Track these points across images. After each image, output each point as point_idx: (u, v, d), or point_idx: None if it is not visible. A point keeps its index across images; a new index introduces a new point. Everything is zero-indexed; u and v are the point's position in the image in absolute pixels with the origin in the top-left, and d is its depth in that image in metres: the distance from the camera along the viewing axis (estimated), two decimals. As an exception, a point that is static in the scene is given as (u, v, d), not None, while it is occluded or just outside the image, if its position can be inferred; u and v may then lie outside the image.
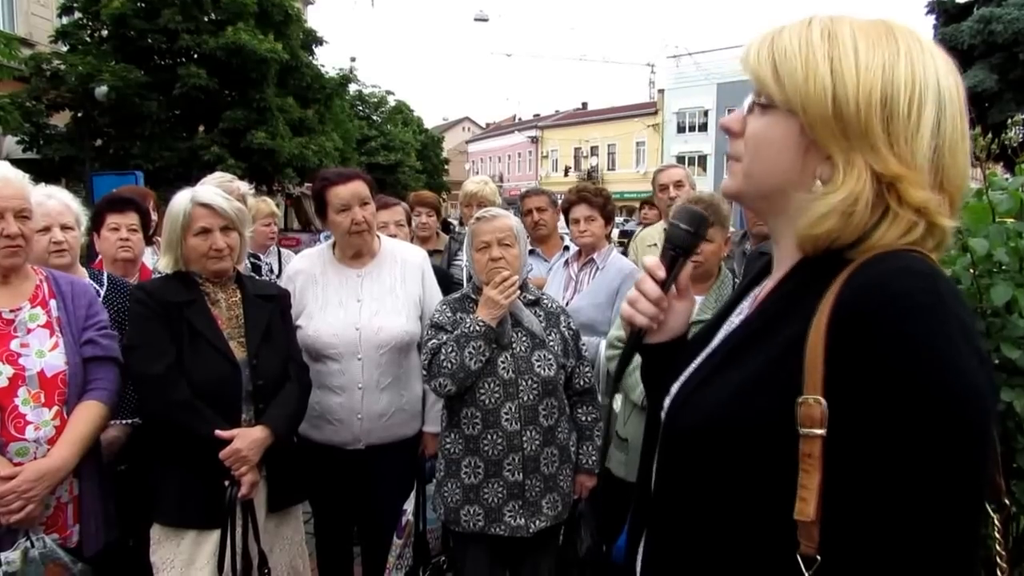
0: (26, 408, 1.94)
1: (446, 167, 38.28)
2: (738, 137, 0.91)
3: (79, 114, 13.61)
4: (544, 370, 2.32)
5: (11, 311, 2.01)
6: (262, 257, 4.03)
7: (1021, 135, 1.75)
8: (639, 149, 38.98)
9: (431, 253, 3.32)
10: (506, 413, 2.28)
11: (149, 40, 13.91)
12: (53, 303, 2.09)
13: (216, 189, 2.34)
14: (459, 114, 73.79)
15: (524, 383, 2.30)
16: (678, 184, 3.89)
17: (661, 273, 1.04)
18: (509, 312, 2.33)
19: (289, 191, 18.98)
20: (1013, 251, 1.52)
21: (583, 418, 2.47)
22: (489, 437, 2.28)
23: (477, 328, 2.27)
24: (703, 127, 33.99)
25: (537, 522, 2.30)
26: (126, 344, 2.15)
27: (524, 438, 2.28)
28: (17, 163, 2.34)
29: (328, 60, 33.75)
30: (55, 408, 1.98)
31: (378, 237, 2.76)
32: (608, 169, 40.70)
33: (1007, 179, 1.74)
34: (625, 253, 4.10)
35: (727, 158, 0.95)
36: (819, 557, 0.76)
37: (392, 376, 2.58)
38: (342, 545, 2.80)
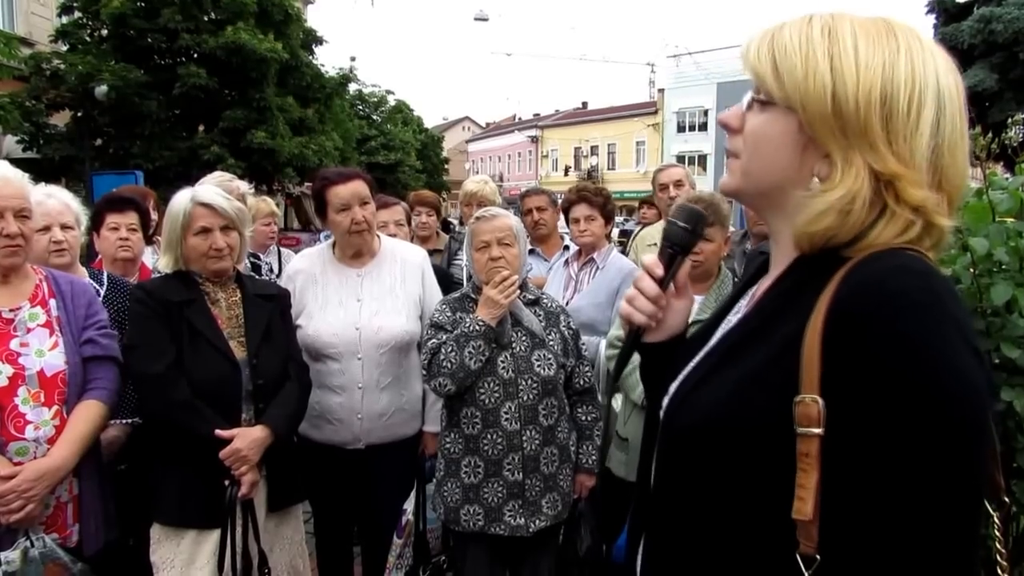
0: (26, 407, 1.94)
1: (446, 167, 38.27)
2: (736, 133, 0.91)
3: (79, 113, 13.61)
4: (544, 370, 2.32)
5: (11, 310, 2.01)
6: (262, 257, 4.03)
7: (1021, 135, 1.75)
8: (639, 149, 38.97)
9: (431, 253, 3.32)
10: (506, 413, 2.28)
11: (149, 39, 13.90)
12: (53, 302, 2.09)
13: (216, 189, 2.34)
14: (459, 114, 73.89)
15: (524, 383, 2.30)
16: (678, 183, 3.89)
17: (659, 271, 1.04)
18: (509, 312, 2.33)
19: (289, 191, 18.97)
20: (1013, 250, 1.52)
21: (583, 418, 2.47)
22: (489, 437, 2.28)
23: (477, 328, 2.27)
24: (703, 127, 33.99)
25: (537, 522, 2.30)
26: (126, 343, 2.15)
27: (524, 438, 2.29)
28: (17, 162, 2.33)
29: (328, 60, 33.69)
30: (55, 407, 1.98)
31: (378, 237, 2.76)
32: (608, 169, 40.70)
33: (1007, 179, 1.74)
34: (624, 252, 4.10)
35: (726, 154, 0.95)
36: (818, 556, 0.76)
37: (392, 376, 2.58)
38: (342, 545, 2.80)
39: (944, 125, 0.81)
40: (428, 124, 38.72)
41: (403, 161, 29.13)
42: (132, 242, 2.77)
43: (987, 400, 0.76)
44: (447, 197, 28.64)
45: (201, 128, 14.89)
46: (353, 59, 43.07)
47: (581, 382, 2.46)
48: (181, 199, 2.20)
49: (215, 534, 2.07)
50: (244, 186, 3.39)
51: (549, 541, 2.42)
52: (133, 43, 13.98)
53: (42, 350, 2.01)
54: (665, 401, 0.99)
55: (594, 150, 42.15)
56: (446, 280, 3.16)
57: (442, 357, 2.28)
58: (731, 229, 3.10)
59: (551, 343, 2.38)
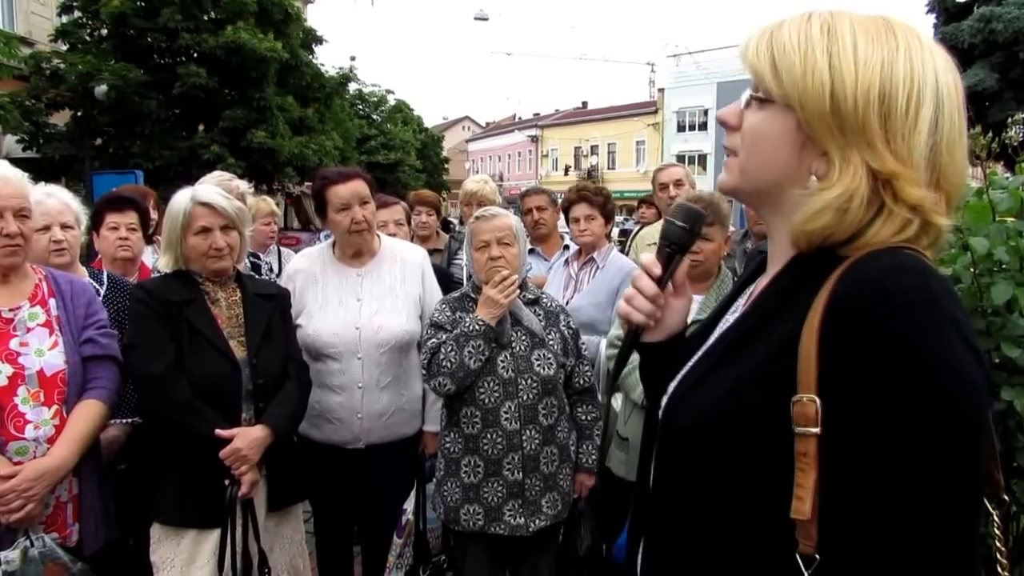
0: (25, 407, 1.94)
1: (446, 166, 38.26)
2: (734, 131, 0.91)
3: (79, 113, 13.60)
4: (544, 369, 2.32)
5: (10, 310, 2.01)
6: (262, 256, 4.03)
7: (1021, 134, 1.75)
8: (639, 148, 38.97)
9: (431, 252, 3.32)
10: (506, 412, 2.28)
11: (149, 39, 13.89)
12: (52, 302, 2.09)
13: (216, 188, 2.34)
14: (459, 113, 73.83)
15: (524, 382, 2.30)
16: (678, 183, 3.89)
17: (657, 270, 1.04)
18: (509, 311, 2.33)
19: (289, 190, 18.96)
20: (1013, 250, 1.52)
21: (583, 417, 2.47)
22: (489, 436, 2.28)
23: (476, 327, 2.27)
24: (703, 126, 33.97)
25: (537, 521, 2.30)
26: (126, 343, 2.15)
27: (524, 437, 2.28)
28: (17, 162, 2.34)
29: (328, 59, 33.71)
30: (54, 407, 1.98)
31: (378, 236, 2.76)
32: (608, 168, 40.69)
33: (1007, 178, 1.74)
34: (624, 252, 4.10)
35: (725, 152, 0.95)
36: (817, 556, 0.76)
37: (392, 375, 2.58)
38: (342, 544, 2.80)
39: (942, 124, 0.81)
40: (428, 124, 38.72)
41: (403, 161, 29.12)
42: (132, 242, 2.77)
43: (985, 398, 0.76)
44: (447, 197, 28.60)
45: (201, 128, 14.88)
46: (353, 58, 43.11)
47: (581, 381, 2.46)
48: (181, 199, 2.19)
49: (215, 534, 2.07)
50: (244, 185, 3.39)
51: (549, 541, 2.42)
52: (133, 42, 13.97)
53: (42, 350, 2.01)
54: (663, 400, 0.99)
55: (594, 150, 42.14)
56: (446, 280, 3.16)
57: (442, 357, 2.28)
58: (731, 229, 3.10)
59: (551, 343, 2.38)
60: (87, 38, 14.21)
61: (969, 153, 1.50)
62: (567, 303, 2.97)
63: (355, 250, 2.67)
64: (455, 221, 7.56)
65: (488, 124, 61.88)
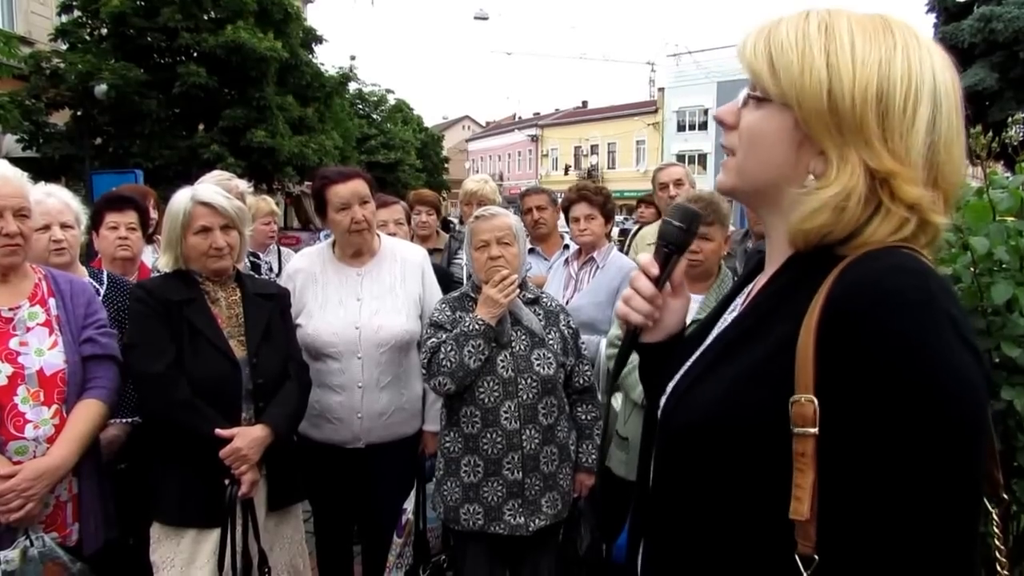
0: (25, 407, 1.94)
1: (446, 166, 38.24)
2: (731, 129, 0.91)
3: (79, 112, 13.60)
4: (543, 369, 2.32)
5: (10, 309, 2.01)
6: (262, 256, 4.03)
7: (1021, 133, 1.75)
8: (639, 148, 38.96)
9: (431, 252, 3.32)
10: (505, 412, 2.28)
11: (149, 38, 13.89)
12: (52, 301, 2.09)
13: (216, 188, 2.34)
14: (459, 112, 73.85)
15: (523, 382, 2.30)
16: (678, 183, 3.89)
17: (655, 270, 1.04)
18: (508, 311, 2.33)
19: (289, 190, 18.97)
20: (1013, 249, 1.52)
21: (583, 417, 2.47)
22: (488, 436, 2.28)
23: (476, 327, 2.27)
24: (703, 126, 33.97)
25: (537, 521, 2.30)
26: (126, 343, 2.15)
27: (523, 437, 2.28)
28: (17, 161, 2.33)
29: (328, 58, 33.77)
30: (54, 407, 1.98)
31: (378, 236, 2.76)
32: (608, 168, 40.68)
33: (1007, 177, 1.74)
34: (624, 251, 4.10)
35: (724, 151, 0.95)
36: (817, 557, 0.76)
37: (392, 375, 2.58)
38: (342, 544, 2.80)
39: (940, 122, 0.81)
40: (428, 123, 38.70)
41: (403, 160, 29.11)
42: (131, 241, 2.77)
43: (984, 397, 0.76)
44: (447, 196, 28.60)
45: (201, 127, 14.88)
46: (353, 58, 43.09)
47: (581, 381, 2.46)
48: (181, 198, 2.19)
49: (215, 533, 2.07)
50: (243, 185, 3.39)
51: (549, 540, 2.42)
52: (133, 42, 13.96)
53: (41, 349, 2.01)
54: (662, 400, 0.99)
55: (594, 149, 42.14)
56: (446, 279, 3.16)
57: (442, 356, 2.28)
58: (732, 228, 3.10)
59: (551, 342, 2.38)
60: (87, 37, 14.21)
61: (969, 152, 1.51)
62: (567, 303, 2.97)
63: (355, 250, 2.66)
64: (455, 221, 7.56)
65: (488, 123, 61.87)
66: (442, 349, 2.29)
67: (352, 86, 24.09)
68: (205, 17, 14.36)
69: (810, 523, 0.76)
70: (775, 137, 0.86)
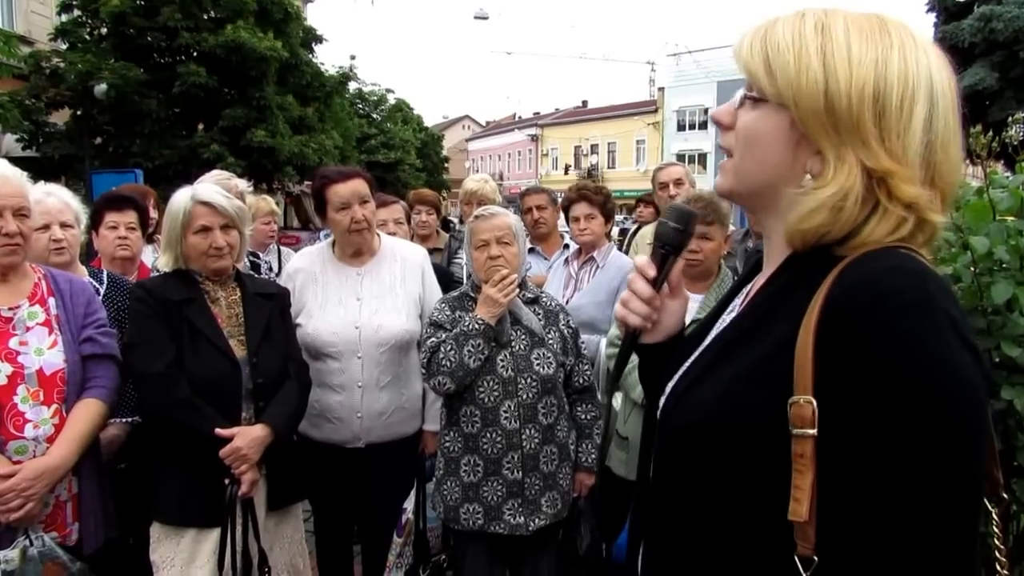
0: (25, 406, 1.94)
1: (446, 165, 38.23)
2: (728, 130, 0.91)
3: (78, 112, 13.59)
4: (543, 368, 2.32)
5: (10, 309, 2.01)
6: (262, 255, 4.02)
7: (1021, 133, 1.75)
8: (639, 147, 38.95)
9: (431, 251, 3.32)
10: (505, 411, 2.28)
11: (148, 38, 13.88)
12: (52, 301, 2.09)
13: (216, 187, 2.33)
14: (459, 112, 73.84)
15: (523, 381, 2.30)
16: (678, 182, 3.89)
17: (652, 272, 1.03)
18: (508, 310, 2.33)
19: (289, 189, 18.96)
20: (1013, 249, 1.52)
21: (582, 416, 2.47)
22: (488, 435, 2.28)
23: (476, 326, 2.27)
24: (703, 125, 33.95)
25: (536, 520, 2.30)
26: (126, 342, 2.15)
27: (523, 436, 2.28)
28: (17, 161, 2.33)
29: (328, 58, 33.77)
30: (54, 406, 1.98)
31: (378, 235, 2.76)
32: (608, 167, 40.67)
33: (1008, 177, 1.74)
34: (624, 251, 4.09)
35: (724, 152, 0.95)
36: (816, 558, 0.76)
37: (392, 374, 2.58)
38: (342, 543, 2.80)
39: (937, 122, 0.81)
40: (428, 123, 38.69)
41: (403, 160, 29.10)
42: (131, 241, 2.77)
43: (984, 397, 0.76)
44: (447, 196, 28.60)
45: (201, 127, 14.88)
46: (353, 57, 43.05)
47: (580, 380, 2.46)
48: (181, 197, 2.19)
49: (215, 533, 2.07)
50: (242, 184, 3.39)
51: (549, 540, 2.42)
52: (133, 41, 13.96)
53: (41, 348, 2.01)
54: (662, 400, 0.99)
55: (594, 148, 42.13)
56: (446, 279, 3.16)
57: (441, 356, 2.28)
58: (732, 228, 3.10)
59: (550, 342, 2.38)
60: (87, 37, 14.20)
61: (970, 152, 1.50)
62: (567, 302, 2.98)
63: (355, 249, 2.66)
64: (455, 220, 7.56)
65: (488, 123, 61.86)
66: (442, 349, 2.29)
67: (352, 86, 24.11)
68: (205, 17, 14.35)
69: (809, 524, 0.76)
70: (771, 137, 0.86)
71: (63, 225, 2.42)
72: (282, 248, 4.72)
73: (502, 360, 2.31)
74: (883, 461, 0.73)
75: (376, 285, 2.64)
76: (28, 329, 2.01)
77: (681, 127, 35.46)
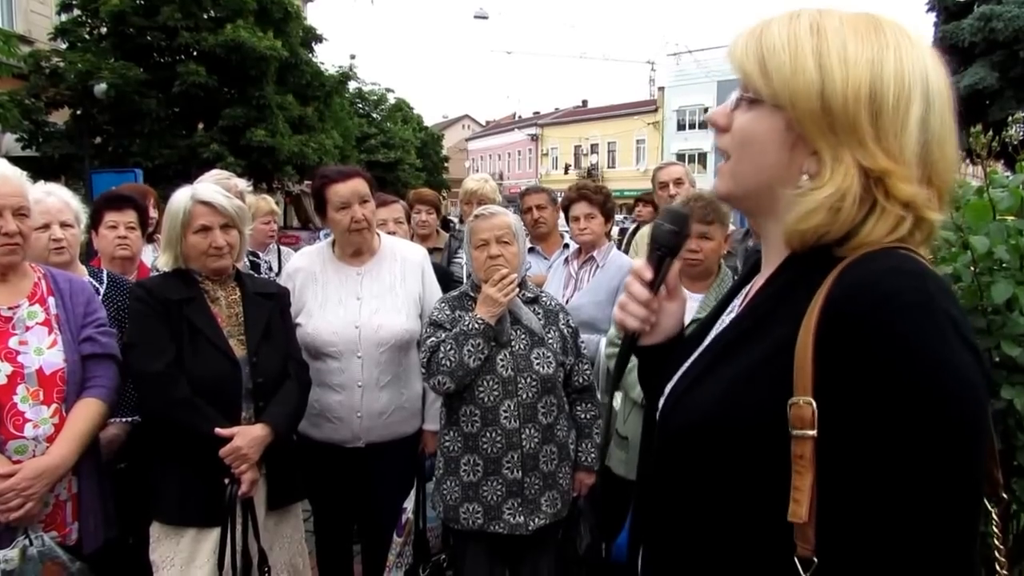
0: (25, 406, 1.94)
1: (446, 165, 38.22)
2: (724, 131, 0.91)
3: (78, 112, 13.60)
4: (543, 368, 2.32)
5: (9, 308, 2.01)
6: (261, 255, 4.02)
7: (1021, 133, 1.75)
8: (639, 147, 38.95)
9: (431, 251, 3.32)
10: (505, 411, 2.28)
11: (148, 37, 13.90)
12: (51, 300, 2.09)
13: (216, 187, 2.33)
14: (459, 112, 73.82)
15: (523, 381, 2.30)
16: (678, 182, 3.89)
17: (648, 275, 1.03)
18: (508, 310, 2.33)
19: (289, 189, 18.97)
20: (1014, 249, 1.52)
21: (582, 416, 2.47)
22: (488, 435, 2.28)
23: (476, 326, 2.27)
24: (703, 125, 33.84)
25: (536, 520, 2.30)
26: (126, 342, 2.15)
27: (523, 436, 2.28)
28: (16, 161, 2.33)
29: (328, 58, 33.78)
30: (54, 406, 1.98)
31: (378, 235, 2.76)
32: (608, 167, 40.67)
33: (1008, 177, 1.74)
34: (624, 251, 4.09)
35: (723, 154, 0.95)
36: (816, 559, 0.76)
37: (392, 374, 2.58)
38: (342, 543, 2.80)
39: (933, 121, 0.81)
40: (428, 122, 38.68)
41: (403, 159, 29.10)
42: (130, 240, 2.77)
43: (985, 397, 0.76)
44: (447, 195, 28.60)
45: (200, 126, 14.89)
46: (353, 57, 42.95)
47: (580, 380, 2.46)
48: (181, 197, 2.19)
49: (215, 532, 2.07)
50: (242, 184, 3.38)
51: (549, 539, 2.42)
52: (132, 41, 13.96)
53: (41, 348, 2.01)
54: (661, 401, 0.99)
55: (594, 148, 42.13)
56: (446, 278, 3.16)
57: (441, 355, 2.28)
58: (732, 227, 3.10)
59: (550, 341, 2.38)
60: (86, 36, 14.21)
61: (969, 152, 1.50)
62: (567, 302, 2.97)
63: (355, 249, 2.66)
64: (455, 220, 7.55)
65: (488, 123, 61.84)
66: (441, 348, 2.29)
67: (352, 85, 24.11)
68: (205, 16, 14.36)
69: (809, 525, 0.75)
70: (767, 138, 0.85)
71: (63, 224, 2.42)
72: (282, 248, 4.72)
73: (502, 360, 2.31)
74: (883, 461, 0.72)
75: (376, 285, 2.64)
76: (28, 328, 2.01)
77: (681, 127, 35.47)
